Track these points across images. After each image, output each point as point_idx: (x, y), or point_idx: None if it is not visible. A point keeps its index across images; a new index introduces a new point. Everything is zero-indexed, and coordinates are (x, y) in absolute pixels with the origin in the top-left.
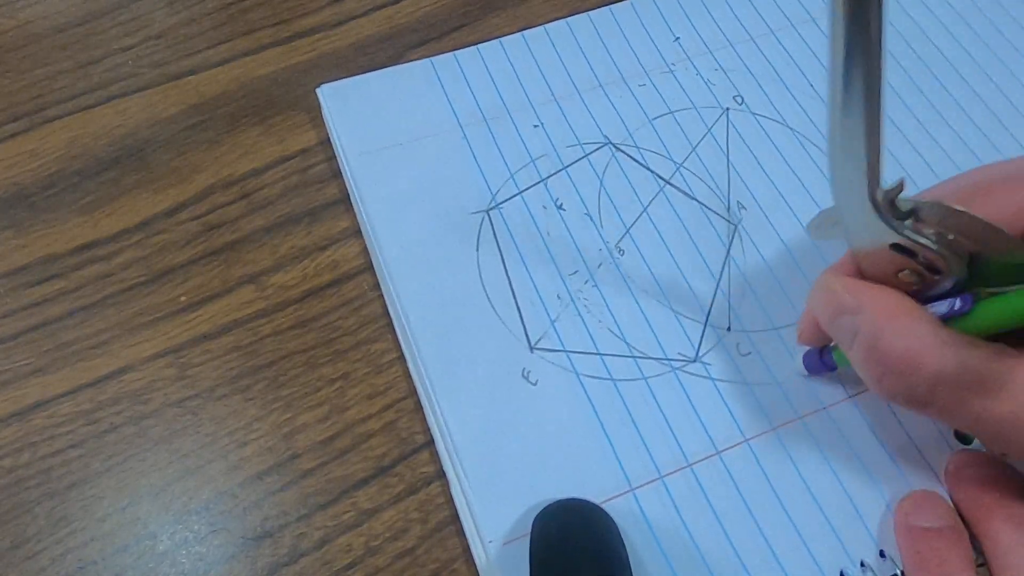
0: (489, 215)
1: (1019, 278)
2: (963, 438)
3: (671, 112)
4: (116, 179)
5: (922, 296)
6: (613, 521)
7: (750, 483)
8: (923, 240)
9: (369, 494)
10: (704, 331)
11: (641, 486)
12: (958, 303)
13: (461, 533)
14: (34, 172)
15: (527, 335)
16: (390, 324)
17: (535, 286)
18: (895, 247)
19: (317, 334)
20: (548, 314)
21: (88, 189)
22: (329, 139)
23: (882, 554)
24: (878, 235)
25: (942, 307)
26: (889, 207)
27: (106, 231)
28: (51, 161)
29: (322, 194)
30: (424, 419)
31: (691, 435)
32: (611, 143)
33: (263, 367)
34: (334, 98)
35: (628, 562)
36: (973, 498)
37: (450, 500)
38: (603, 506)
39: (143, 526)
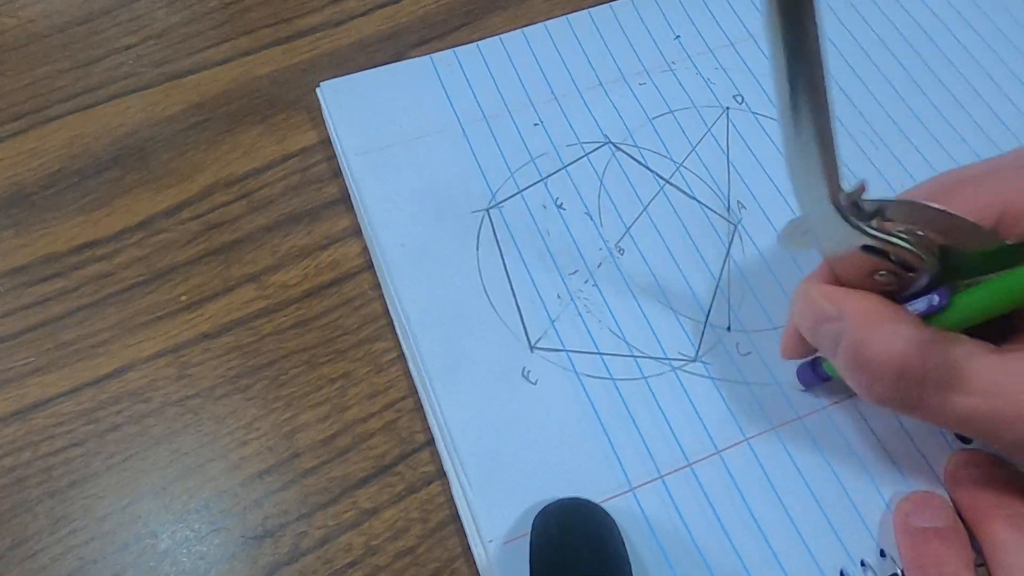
0: (489, 214)
1: (992, 267)
2: (964, 437)
3: (671, 111)
4: (117, 178)
5: (899, 296)
6: (613, 521)
7: (750, 482)
8: (892, 238)
9: (370, 493)
10: (704, 331)
11: (641, 485)
12: (936, 298)
13: (461, 532)
14: (35, 171)
15: (527, 334)
16: (391, 323)
17: (535, 285)
18: (866, 249)
19: (318, 333)
20: (548, 313)
21: (89, 188)
22: (329, 138)
23: (882, 553)
24: (847, 239)
25: (921, 304)
26: (853, 209)
27: (107, 230)
28: (52, 160)
29: (322, 193)
30: (424, 418)
31: (691, 435)
32: (611, 142)
33: (264, 366)
34: (334, 95)
35: (628, 562)
36: (972, 498)
37: (451, 499)
38: (603, 506)
39: (144, 525)
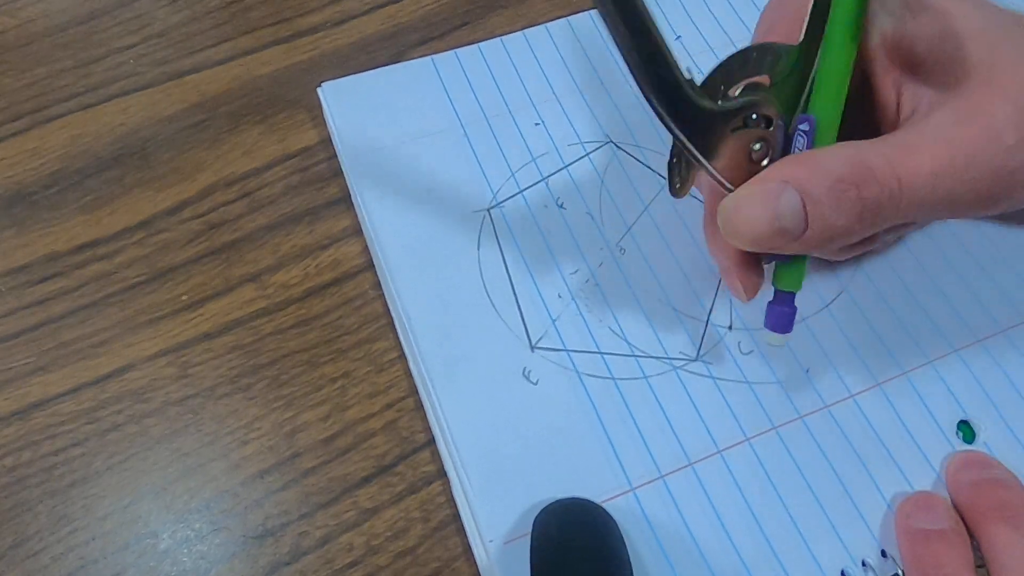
0: (490, 214)
1: (805, 71)
2: (966, 436)
3: None
4: (117, 178)
5: (776, 156)
6: (613, 521)
7: (751, 482)
8: (744, 99)
9: (370, 493)
10: (705, 330)
11: (642, 485)
12: (806, 126)
13: (462, 532)
14: (36, 171)
15: (528, 334)
16: (391, 323)
17: (536, 285)
18: (734, 130)
19: (318, 333)
20: (549, 313)
21: (90, 188)
22: (330, 138)
23: (883, 554)
24: (716, 130)
25: (800, 142)
26: (710, 95)
27: (107, 230)
28: (53, 160)
29: (323, 193)
30: (425, 418)
31: (692, 434)
32: (612, 142)
33: (264, 366)
34: (335, 96)
35: (628, 562)
36: (973, 499)
37: (451, 499)
38: (604, 506)
39: (144, 525)
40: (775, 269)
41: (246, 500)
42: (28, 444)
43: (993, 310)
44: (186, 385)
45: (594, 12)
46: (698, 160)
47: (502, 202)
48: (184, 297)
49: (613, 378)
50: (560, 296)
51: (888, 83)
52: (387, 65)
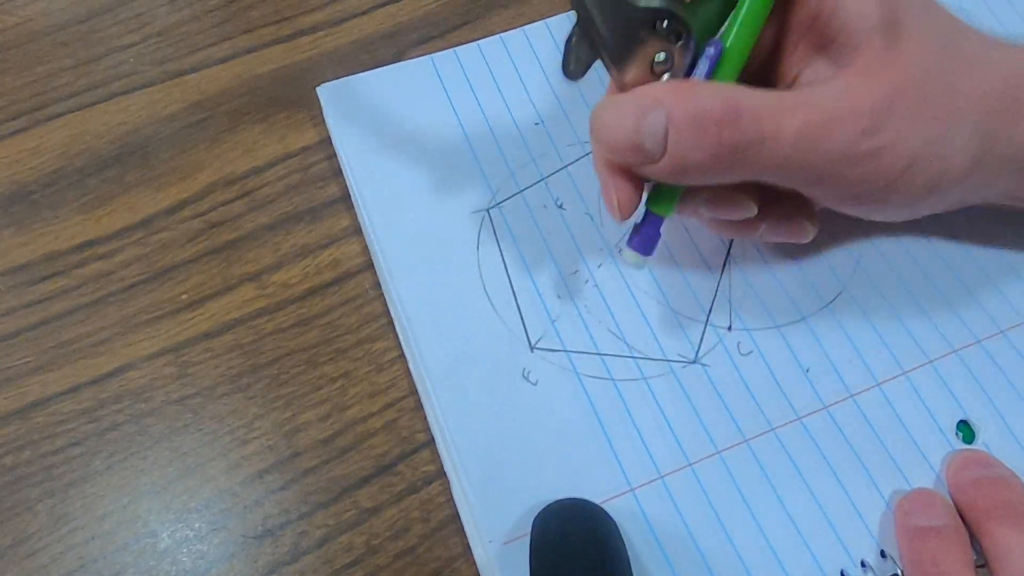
0: (489, 214)
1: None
2: (966, 437)
3: None
4: (117, 177)
5: (679, 74)
6: (613, 521)
7: (750, 483)
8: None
9: (370, 493)
10: (705, 331)
11: (641, 486)
12: (711, 51)
13: (462, 532)
14: (35, 169)
15: (527, 335)
16: (391, 323)
17: (535, 285)
18: (645, 37)
19: (318, 332)
20: (548, 314)
21: (89, 187)
22: (330, 137)
23: (883, 554)
24: (631, 32)
25: (703, 66)
26: None
27: (107, 229)
28: (52, 159)
29: (323, 192)
30: (425, 418)
31: (691, 435)
32: None
33: (264, 365)
34: (333, 97)
35: (628, 562)
36: (973, 498)
37: (451, 499)
38: (603, 506)
39: (144, 524)
40: (650, 191)
41: (246, 500)
42: (28, 443)
43: (993, 310)
44: (186, 385)
45: None
46: (604, 48)
47: (502, 202)
48: (184, 296)
49: (612, 379)
50: (559, 296)
51: (796, 56)
52: (388, 64)
